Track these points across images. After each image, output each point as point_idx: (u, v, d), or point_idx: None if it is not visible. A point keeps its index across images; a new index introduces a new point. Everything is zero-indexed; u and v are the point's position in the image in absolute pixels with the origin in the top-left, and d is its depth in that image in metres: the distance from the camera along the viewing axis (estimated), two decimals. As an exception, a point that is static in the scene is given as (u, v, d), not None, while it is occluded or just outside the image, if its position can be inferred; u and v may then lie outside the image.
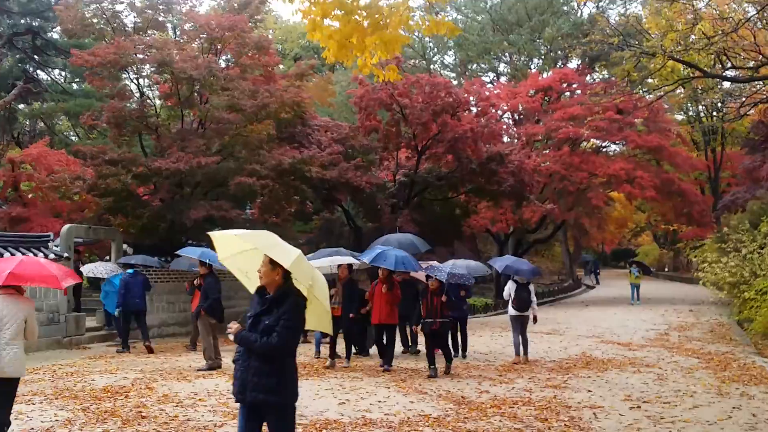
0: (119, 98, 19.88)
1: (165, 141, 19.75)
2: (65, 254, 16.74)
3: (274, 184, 20.35)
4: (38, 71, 33.52)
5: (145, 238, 21.29)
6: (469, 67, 41.86)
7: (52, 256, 16.52)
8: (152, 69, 19.29)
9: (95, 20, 20.67)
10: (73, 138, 34.31)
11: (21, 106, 31.98)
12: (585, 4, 39.35)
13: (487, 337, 19.19)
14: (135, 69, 19.27)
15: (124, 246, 19.60)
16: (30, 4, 28.34)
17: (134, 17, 21.98)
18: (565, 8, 39.44)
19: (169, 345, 17.95)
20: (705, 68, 20.32)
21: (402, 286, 13.77)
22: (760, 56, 18.37)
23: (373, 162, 25.06)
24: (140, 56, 19.11)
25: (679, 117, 45.35)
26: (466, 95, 24.86)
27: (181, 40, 21.77)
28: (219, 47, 21.48)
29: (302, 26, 65.80)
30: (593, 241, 56.73)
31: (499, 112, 33.89)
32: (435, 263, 13.28)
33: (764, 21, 18.96)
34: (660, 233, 59.37)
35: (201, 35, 21.29)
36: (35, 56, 32.10)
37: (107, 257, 19.57)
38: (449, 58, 45.55)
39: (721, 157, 44.42)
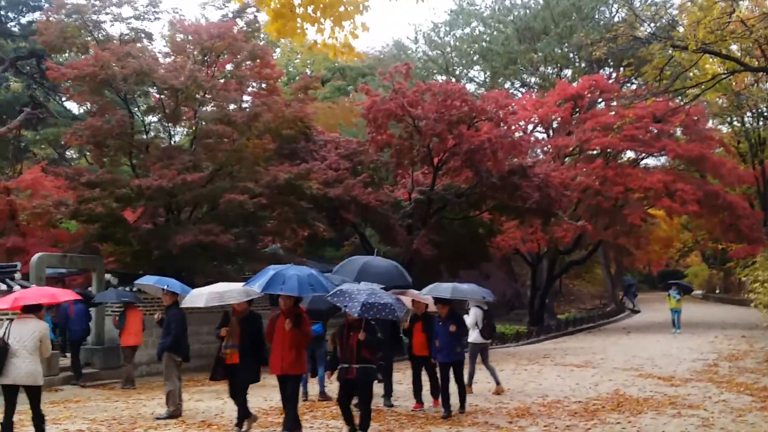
0: (100, 114, 18.31)
1: (149, 159, 18.09)
2: (33, 285, 15.02)
3: (270, 202, 18.50)
4: (48, 96, 32.44)
5: (137, 267, 19.66)
6: (497, 80, 39.86)
7: (16, 287, 14.88)
8: (133, 81, 17.66)
9: (77, 33, 19.20)
10: (80, 164, 33.11)
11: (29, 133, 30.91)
12: (615, 7, 37.19)
13: (509, 371, 16.99)
14: (117, 82, 17.61)
15: (108, 276, 17.91)
16: (31, 26, 27.18)
17: (122, 28, 20.51)
18: (594, 13, 37.31)
19: (155, 384, 16.16)
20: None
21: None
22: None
23: (384, 179, 23.12)
24: (121, 68, 17.49)
25: (724, 129, 42.61)
26: (483, 103, 22.73)
27: (172, 52, 20.15)
28: (211, 58, 19.82)
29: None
30: (638, 262, 53.72)
31: (524, 123, 31.72)
32: (361, 287, 9.31)
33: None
34: (708, 252, 56.07)
35: (191, 46, 19.66)
36: (43, 81, 31.01)
37: (89, 288, 17.91)
38: (474, 72, 43.65)
39: (771, 168, 41.42)
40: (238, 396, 9.92)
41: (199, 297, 10.09)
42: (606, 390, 13.41)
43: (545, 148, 32.76)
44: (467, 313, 13.46)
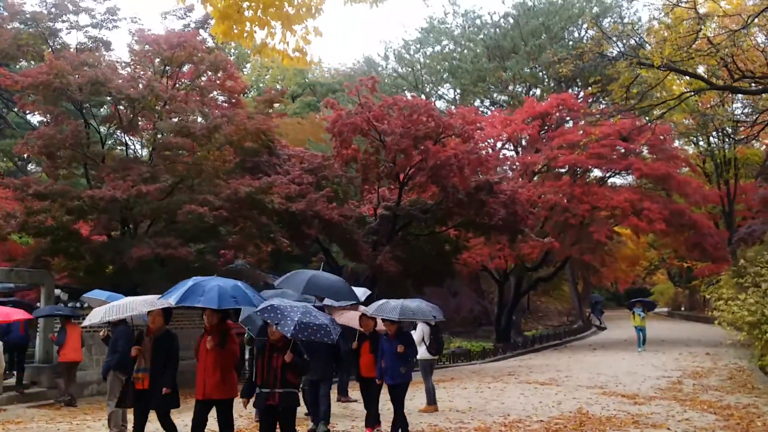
0: (54, 124, 17.75)
1: (104, 170, 17.55)
2: (-26, 301, 14.44)
3: (231, 216, 18.06)
4: (7, 107, 31.61)
5: (90, 283, 19.03)
6: (466, 97, 39.85)
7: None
8: (89, 91, 17.13)
9: (32, 40, 18.66)
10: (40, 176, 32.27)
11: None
12: (584, 28, 37.43)
13: (473, 389, 16.65)
14: (72, 91, 17.08)
15: (58, 291, 17.26)
16: (-11, 35, 26.53)
17: (80, 36, 19.99)
18: (563, 33, 37.52)
19: (103, 404, 15.55)
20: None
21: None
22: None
23: (349, 193, 22.78)
24: (77, 77, 16.98)
25: (690, 149, 43.06)
26: (450, 119, 22.55)
27: (131, 62, 19.69)
28: (172, 69, 19.38)
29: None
30: (605, 279, 53.93)
31: (493, 141, 31.65)
32: (294, 304, 8.35)
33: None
34: (674, 270, 56.58)
35: (151, 55, 19.22)
36: (1, 92, 30.27)
37: (37, 304, 17.25)
38: (444, 90, 43.64)
39: (735, 188, 41.84)
40: (162, 424, 8.80)
41: (97, 313, 9.42)
42: (569, 408, 13.12)
43: (513, 166, 32.70)
44: (414, 328, 13.18)
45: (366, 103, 21.90)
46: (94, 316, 9.41)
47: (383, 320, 10.56)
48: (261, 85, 56.52)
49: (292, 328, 7.61)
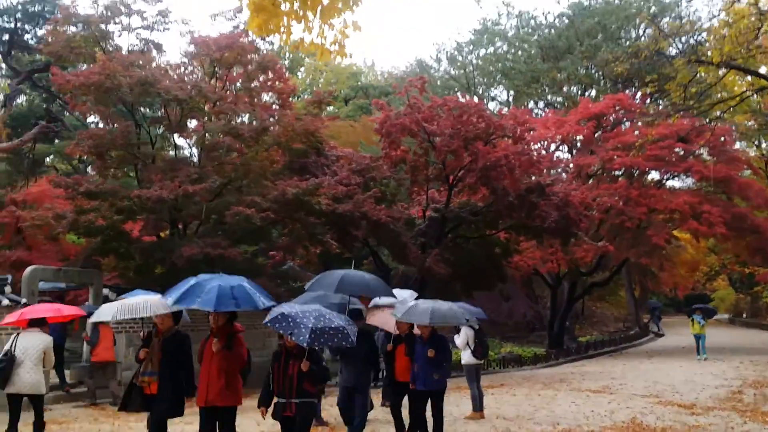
0: (105, 124, 17.95)
1: (153, 171, 17.67)
2: (23, 300, 14.55)
3: (279, 217, 17.99)
4: (64, 110, 32.36)
5: (139, 283, 19.18)
6: (519, 99, 39.25)
7: (5, 302, 14.43)
8: (138, 91, 17.26)
9: (85, 43, 18.93)
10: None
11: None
12: (642, 27, 36.48)
13: (522, 395, 16.20)
14: (123, 92, 17.25)
15: (106, 291, 17.42)
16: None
17: (131, 39, 20.23)
18: (620, 32, 36.63)
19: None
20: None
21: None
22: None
23: (398, 194, 22.50)
24: (127, 78, 17.14)
25: (752, 152, 41.54)
26: (500, 119, 22.10)
27: (182, 64, 19.81)
28: (221, 71, 19.44)
29: (352, 67, 65.18)
30: (663, 285, 52.47)
31: (546, 143, 31.04)
32: (306, 309, 7.79)
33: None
34: (735, 276, 54.72)
35: (201, 57, 19.30)
36: (59, 95, 30.97)
37: (86, 303, 17.44)
38: (497, 92, 43.10)
39: (800, 191, 40.19)
40: (152, 430, 8.20)
41: (108, 310, 9.09)
42: (622, 418, 12.62)
43: (567, 168, 32.03)
44: (458, 332, 12.81)
45: (415, 104, 21.63)
46: (104, 313, 9.22)
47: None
48: (315, 88, 56.83)
49: (307, 336, 7.14)
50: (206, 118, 18.36)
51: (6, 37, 23.95)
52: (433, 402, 9.81)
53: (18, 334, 9.71)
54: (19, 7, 24.05)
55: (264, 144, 18.94)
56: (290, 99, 22.37)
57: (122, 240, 18.67)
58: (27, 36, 27.55)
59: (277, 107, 21.15)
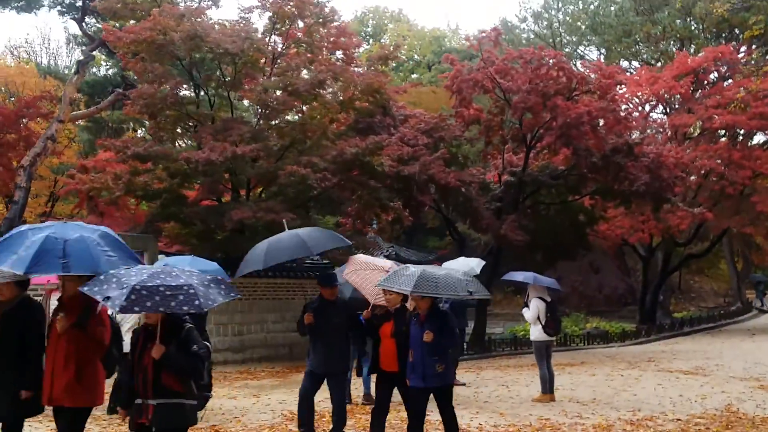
0: (158, 83, 17.12)
1: (203, 132, 16.75)
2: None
3: (337, 180, 16.81)
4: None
5: (202, 249, 18.48)
6: (610, 57, 36.59)
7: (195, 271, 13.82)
8: (187, 46, 16.32)
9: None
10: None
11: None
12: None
13: (602, 376, 14.58)
14: (176, 48, 16.37)
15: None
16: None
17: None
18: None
19: (220, 373, 14.87)
20: None
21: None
22: None
23: (470, 157, 20.92)
24: (178, 33, 16.22)
25: None
26: (584, 71, 20.11)
27: (240, 20, 18.72)
28: (280, 25, 18.29)
29: (435, 31, 63.30)
30: (768, 257, 48.85)
31: (639, 101, 28.66)
32: (143, 269, 5.48)
33: None
34: None
35: (257, 10, 18.21)
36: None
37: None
38: (586, 50, 40.45)
39: None
40: None
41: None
42: (715, 405, 10.88)
43: (661, 128, 29.57)
44: (527, 306, 11.30)
45: (488, 58, 19.92)
46: None
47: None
48: (401, 54, 55.45)
49: (123, 299, 4.85)
50: (263, 75, 17.29)
51: (79, 2, 23.51)
52: (438, 403, 7.24)
53: None
54: (88, -30, 23.69)
55: (323, 102, 17.72)
56: (355, 55, 21.07)
57: (181, 204, 17.96)
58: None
59: (342, 63, 19.88)
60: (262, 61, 17.82)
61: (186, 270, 5.50)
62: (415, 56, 60.95)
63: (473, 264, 12.84)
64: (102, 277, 5.21)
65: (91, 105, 29.66)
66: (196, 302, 4.97)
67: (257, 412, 10.30)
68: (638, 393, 12.22)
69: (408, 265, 7.42)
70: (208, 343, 5.89)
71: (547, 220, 22.92)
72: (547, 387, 11.32)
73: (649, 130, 28.60)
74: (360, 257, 8.55)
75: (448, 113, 22.22)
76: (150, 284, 4.96)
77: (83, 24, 26.71)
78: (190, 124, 18.06)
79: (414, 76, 53.03)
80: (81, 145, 32.49)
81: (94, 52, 27.08)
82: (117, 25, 20.01)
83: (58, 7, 25.96)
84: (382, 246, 27.40)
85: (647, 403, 11.15)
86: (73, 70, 27.02)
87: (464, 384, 12.98)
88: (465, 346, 18.93)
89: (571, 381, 13.61)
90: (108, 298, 4.94)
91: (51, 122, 23.54)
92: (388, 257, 24.84)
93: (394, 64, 53.72)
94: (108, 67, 33.75)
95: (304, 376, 7.99)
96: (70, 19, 26.29)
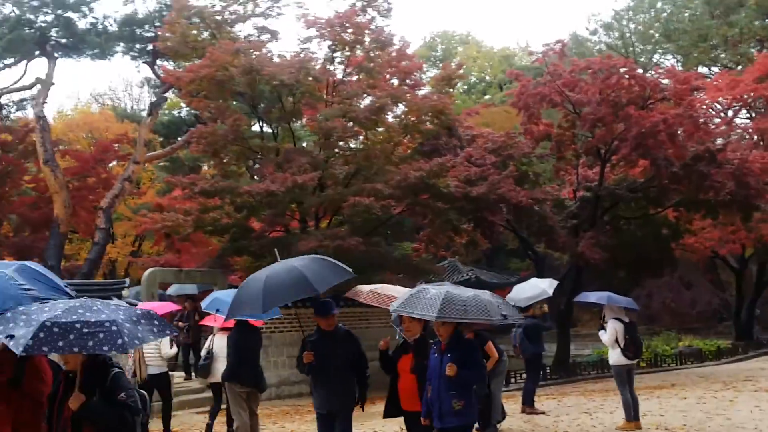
0: (220, 119, 17.24)
1: (265, 164, 16.74)
2: (139, 302, 14.10)
3: (403, 205, 16.49)
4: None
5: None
6: (686, 63, 35.24)
7: (123, 305, 13.99)
8: (245, 80, 16.38)
9: (200, 37, 18.38)
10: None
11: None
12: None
13: (694, 399, 13.56)
14: (235, 83, 16.49)
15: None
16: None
17: (247, 28, 19.49)
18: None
19: (281, 409, 14.69)
20: None
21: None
22: None
23: (542, 174, 20.25)
24: (235, 69, 16.33)
25: None
26: (657, 77, 19.20)
27: (300, 50, 18.78)
28: (340, 54, 18.23)
29: (505, 50, 62.62)
30: None
31: (720, 107, 27.32)
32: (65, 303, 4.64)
33: None
34: None
35: (317, 39, 18.21)
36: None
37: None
38: (661, 58, 39.10)
39: None
40: None
41: None
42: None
43: (746, 133, 28.10)
44: (603, 328, 10.56)
45: (555, 71, 19.30)
46: None
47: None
48: (472, 76, 55.15)
49: (29, 338, 4.09)
50: (324, 104, 17.21)
51: (150, 46, 24.22)
52: None
53: (213, 335, 10.68)
54: (156, 14, 24.32)
55: (385, 126, 17.49)
56: (420, 78, 20.81)
57: (249, 237, 17.97)
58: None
59: (406, 87, 19.66)
60: (323, 90, 17.75)
61: (111, 304, 4.73)
62: (486, 77, 60.45)
63: (544, 285, 12.25)
64: (9, 314, 4.40)
65: (167, 145, 30.44)
66: (119, 341, 4.24)
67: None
68: (732, 417, 11.24)
69: (427, 286, 6.44)
70: (143, 392, 5.01)
71: (629, 235, 21.92)
72: (632, 414, 10.53)
73: (733, 136, 27.21)
74: (364, 288, 8.25)
75: (517, 131, 21.67)
76: (64, 320, 4.22)
77: (155, 67, 27.45)
78: (258, 157, 18.07)
79: (486, 97, 52.51)
80: (160, 185, 33.37)
81: (166, 94, 27.80)
82: (182, 64, 20.36)
83: (131, 53, 26.76)
84: (462, 270, 26.82)
85: (743, 428, 10.23)
86: (146, 113, 27.79)
87: (543, 413, 12.31)
88: (546, 371, 18.17)
89: (660, 406, 12.70)
90: (11, 336, 4.13)
91: (128, 164, 24.24)
92: (468, 281, 24.39)
93: (465, 87, 53.26)
94: (184, 107, 34.70)
95: (316, 420, 7.33)
96: (143, 63, 27.03)
